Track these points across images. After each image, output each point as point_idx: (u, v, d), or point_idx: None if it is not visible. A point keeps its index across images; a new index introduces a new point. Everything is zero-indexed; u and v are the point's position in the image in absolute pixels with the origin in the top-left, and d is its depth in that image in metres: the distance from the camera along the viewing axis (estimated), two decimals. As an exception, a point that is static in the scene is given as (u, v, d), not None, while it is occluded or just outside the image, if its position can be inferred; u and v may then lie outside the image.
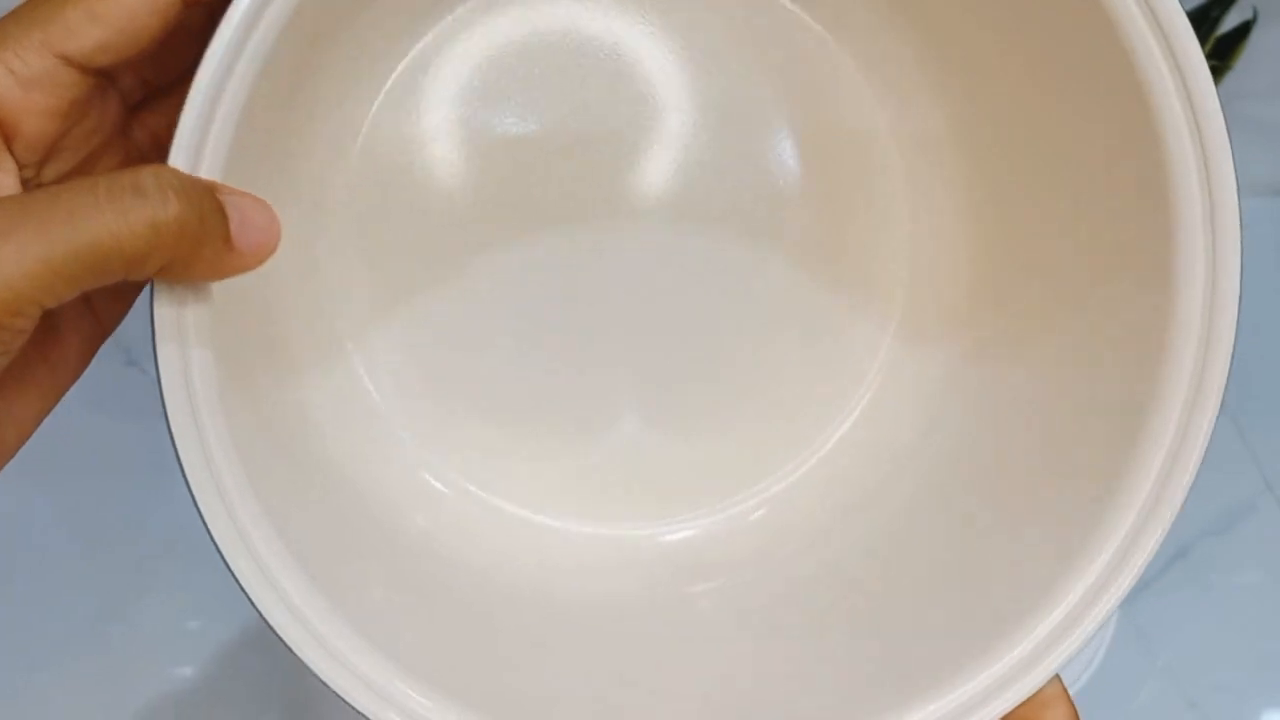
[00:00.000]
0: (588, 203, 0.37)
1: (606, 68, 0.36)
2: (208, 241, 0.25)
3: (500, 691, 0.32)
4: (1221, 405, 0.69)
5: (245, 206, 0.26)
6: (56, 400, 0.30)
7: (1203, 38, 0.63)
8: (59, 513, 0.59)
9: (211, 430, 0.28)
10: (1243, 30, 0.63)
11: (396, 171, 0.36)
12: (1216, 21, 0.63)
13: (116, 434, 0.62)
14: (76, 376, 0.30)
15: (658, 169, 0.37)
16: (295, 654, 0.29)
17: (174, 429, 0.27)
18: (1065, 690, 0.30)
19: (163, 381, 0.27)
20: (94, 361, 0.69)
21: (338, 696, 0.29)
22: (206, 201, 0.25)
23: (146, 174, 0.25)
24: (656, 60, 0.36)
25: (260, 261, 0.27)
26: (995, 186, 0.36)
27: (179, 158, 0.26)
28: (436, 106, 0.36)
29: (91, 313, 0.30)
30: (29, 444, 0.64)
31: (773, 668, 0.34)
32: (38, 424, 0.30)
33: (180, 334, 0.27)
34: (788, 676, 0.34)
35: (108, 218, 0.24)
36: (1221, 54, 0.63)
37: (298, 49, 0.30)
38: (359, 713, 0.29)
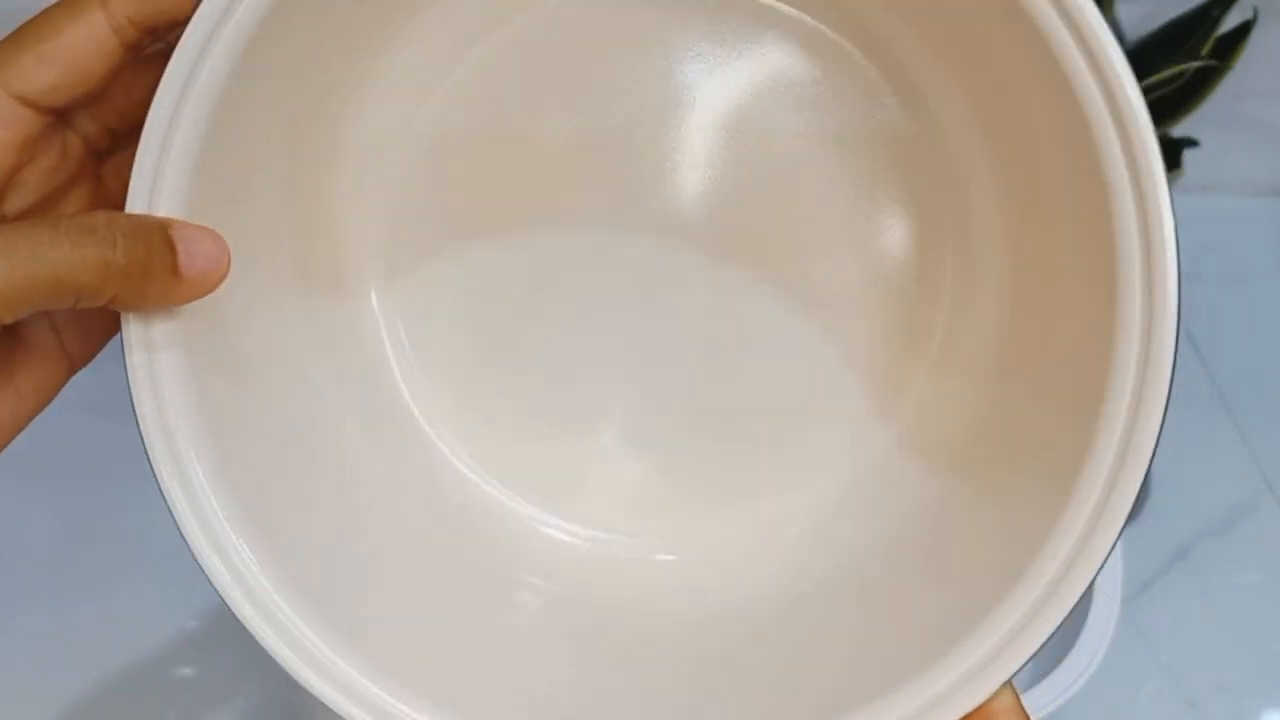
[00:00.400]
0: (619, 214, 0.37)
1: (661, 87, 0.37)
2: (155, 274, 0.28)
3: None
4: (1222, 405, 0.70)
5: (193, 239, 0.29)
6: (19, 428, 0.32)
7: (1203, 38, 0.63)
8: (57, 515, 0.59)
9: (185, 441, 0.29)
10: (1243, 30, 0.63)
11: (433, 169, 0.37)
12: (1216, 21, 0.63)
13: (115, 436, 0.62)
14: (41, 407, 0.32)
15: (700, 194, 0.37)
16: (269, 654, 0.30)
17: (149, 448, 0.29)
18: (1019, 704, 0.30)
19: (134, 396, 0.29)
20: (93, 365, 0.69)
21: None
22: (154, 239, 0.28)
23: (99, 217, 0.28)
24: (717, 95, 0.37)
25: (210, 287, 0.30)
26: (1029, 286, 0.36)
27: (136, 201, 0.29)
28: (480, 112, 0.36)
29: (62, 349, 0.32)
30: (28, 447, 0.64)
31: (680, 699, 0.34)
32: (2, 445, 0.32)
33: (148, 348, 0.29)
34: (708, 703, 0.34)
35: (65, 251, 0.27)
36: (1221, 54, 0.63)
37: (288, 68, 0.31)
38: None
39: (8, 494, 0.60)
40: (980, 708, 0.29)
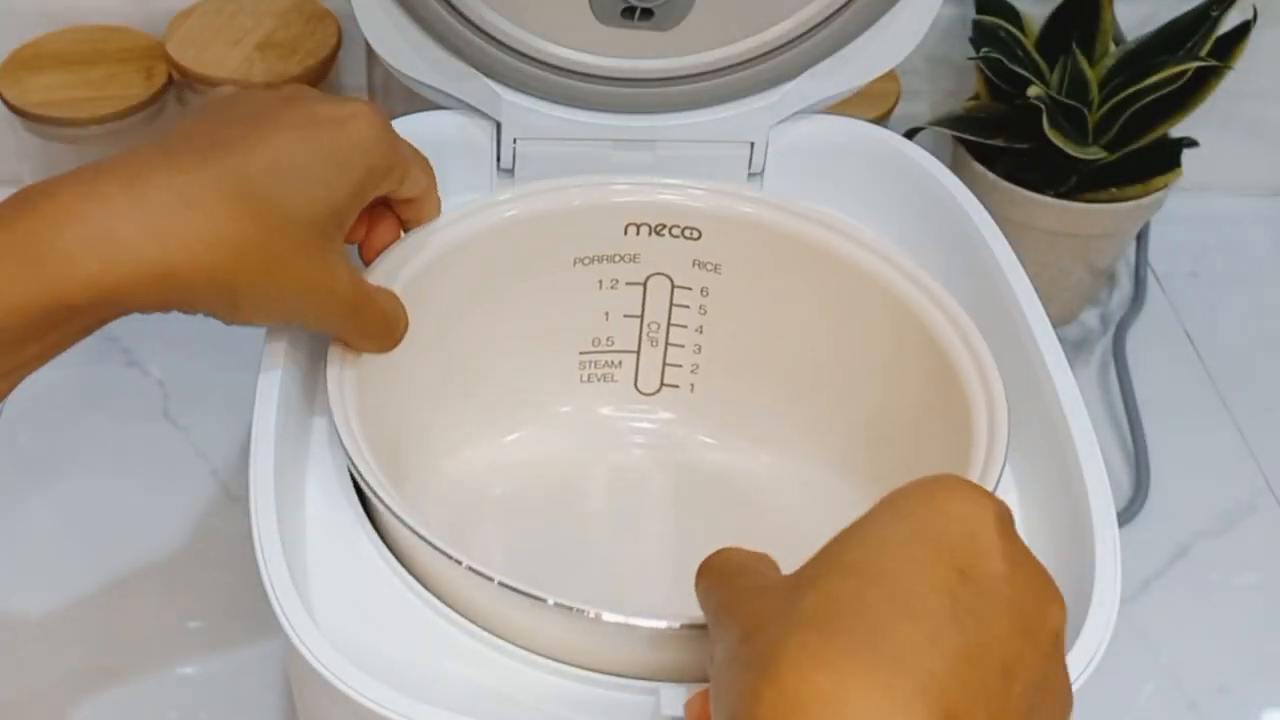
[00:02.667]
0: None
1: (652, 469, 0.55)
2: (377, 339, 0.45)
3: None
4: (1222, 405, 0.69)
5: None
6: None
7: (1203, 38, 0.63)
8: (58, 512, 0.59)
9: (353, 414, 0.43)
10: (1243, 30, 0.63)
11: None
12: (1216, 21, 0.63)
13: (116, 434, 0.62)
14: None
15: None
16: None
17: (337, 418, 0.42)
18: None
19: (329, 388, 0.43)
20: (95, 362, 0.69)
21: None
22: (399, 324, 0.46)
23: (385, 298, 0.45)
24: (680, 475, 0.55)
25: (386, 349, 0.46)
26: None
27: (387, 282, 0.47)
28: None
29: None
30: (29, 443, 0.63)
31: None
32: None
33: (341, 363, 0.44)
34: None
35: (338, 315, 0.42)
36: (1221, 54, 0.63)
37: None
38: None
39: (9, 491, 0.60)
40: None
